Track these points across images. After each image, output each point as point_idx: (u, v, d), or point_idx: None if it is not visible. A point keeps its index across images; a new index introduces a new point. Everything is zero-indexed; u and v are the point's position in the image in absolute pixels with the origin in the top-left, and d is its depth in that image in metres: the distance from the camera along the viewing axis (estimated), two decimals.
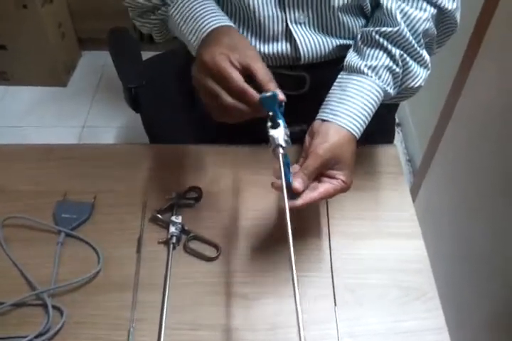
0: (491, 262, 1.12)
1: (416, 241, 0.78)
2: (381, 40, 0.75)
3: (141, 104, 1.21)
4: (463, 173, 1.29)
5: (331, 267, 0.74)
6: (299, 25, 0.81)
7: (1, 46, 2.11)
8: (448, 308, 0.72)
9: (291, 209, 0.58)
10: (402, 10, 0.75)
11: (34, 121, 2.11)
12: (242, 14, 0.80)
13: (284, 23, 0.80)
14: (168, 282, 0.71)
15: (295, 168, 0.68)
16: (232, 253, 0.75)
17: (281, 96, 0.61)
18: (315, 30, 0.82)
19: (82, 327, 0.67)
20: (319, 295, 0.71)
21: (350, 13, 0.82)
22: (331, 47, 0.83)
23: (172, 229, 0.76)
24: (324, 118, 0.71)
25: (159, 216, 0.78)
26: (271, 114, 0.62)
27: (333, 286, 0.72)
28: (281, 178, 0.60)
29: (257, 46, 0.82)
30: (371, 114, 0.73)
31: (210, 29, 0.69)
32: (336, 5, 0.78)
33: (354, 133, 0.70)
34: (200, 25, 0.70)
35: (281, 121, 0.62)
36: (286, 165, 0.63)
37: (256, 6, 0.78)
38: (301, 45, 0.81)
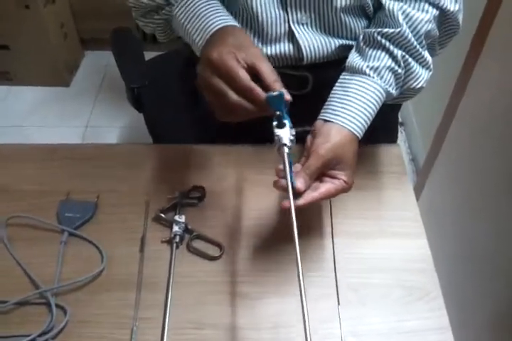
0: (494, 262, 1.12)
1: (419, 241, 0.78)
2: (383, 41, 0.75)
3: (144, 104, 1.21)
4: (466, 173, 1.29)
5: (334, 266, 0.74)
6: (301, 26, 0.81)
7: (3, 46, 2.11)
8: (451, 308, 0.72)
9: None
10: (404, 11, 0.75)
11: (37, 121, 2.11)
12: (245, 15, 0.80)
13: (287, 24, 0.80)
14: (171, 281, 0.71)
15: (297, 167, 0.68)
16: (235, 253, 0.75)
17: (287, 96, 0.61)
18: (317, 31, 0.82)
19: (85, 326, 0.67)
20: (322, 295, 0.71)
21: (352, 14, 0.82)
22: (333, 47, 0.83)
23: (175, 228, 0.76)
24: (326, 118, 0.71)
25: (162, 215, 0.78)
26: (277, 113, 0.62)
27: (337, 286, 0.72)
28: (285, 177, 0.60)
29: (260, 47, 0.82)
30: (373, 115, 0.73)
31: (215, 29, 0.69)
32: (338, 6, 0.78)
33: (356, 133, 0.70)
34: (205, 25, 0.71)
35: (286, 121, 0.62)
36: (289, 165, 0.63)
37: (258, 7, 0.78)
38: (304, 45, 0.81)
